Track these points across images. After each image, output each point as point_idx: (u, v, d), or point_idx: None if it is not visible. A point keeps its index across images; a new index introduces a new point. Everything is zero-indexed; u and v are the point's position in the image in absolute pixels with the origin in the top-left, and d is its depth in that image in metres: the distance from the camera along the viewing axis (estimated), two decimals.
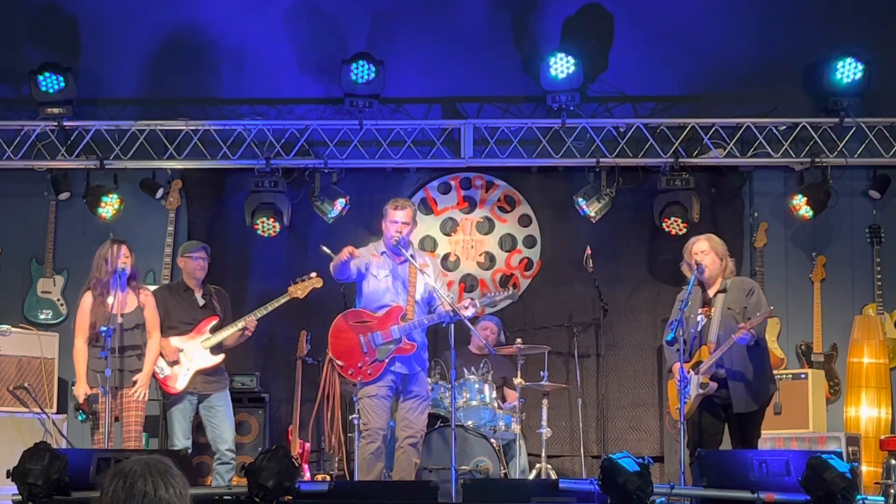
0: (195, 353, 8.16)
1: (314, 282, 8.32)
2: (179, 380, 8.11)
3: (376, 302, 7.54)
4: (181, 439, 8.11)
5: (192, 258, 8.35)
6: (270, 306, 8.27)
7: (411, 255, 7.58)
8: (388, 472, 7.79)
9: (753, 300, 7.44)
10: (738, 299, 7.46)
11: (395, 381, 7.48)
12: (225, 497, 6.82)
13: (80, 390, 7.69)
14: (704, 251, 7.48)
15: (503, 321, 9.66)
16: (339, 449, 9.10)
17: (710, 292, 7.50)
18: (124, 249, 7.83)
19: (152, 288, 9.69)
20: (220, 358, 8.22)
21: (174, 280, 9.90)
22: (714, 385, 7.28)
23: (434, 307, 7.63)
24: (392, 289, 7.54)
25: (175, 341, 8.17)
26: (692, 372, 7.33)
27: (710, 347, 7.33)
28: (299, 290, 8.27)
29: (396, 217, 7.57)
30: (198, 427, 8.44)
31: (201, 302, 8.34)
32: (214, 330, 8.22)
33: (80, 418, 7.80)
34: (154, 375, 8.07)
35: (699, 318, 7.45)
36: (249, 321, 8.23)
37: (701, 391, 7.30)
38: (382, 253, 7.62)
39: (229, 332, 8.22)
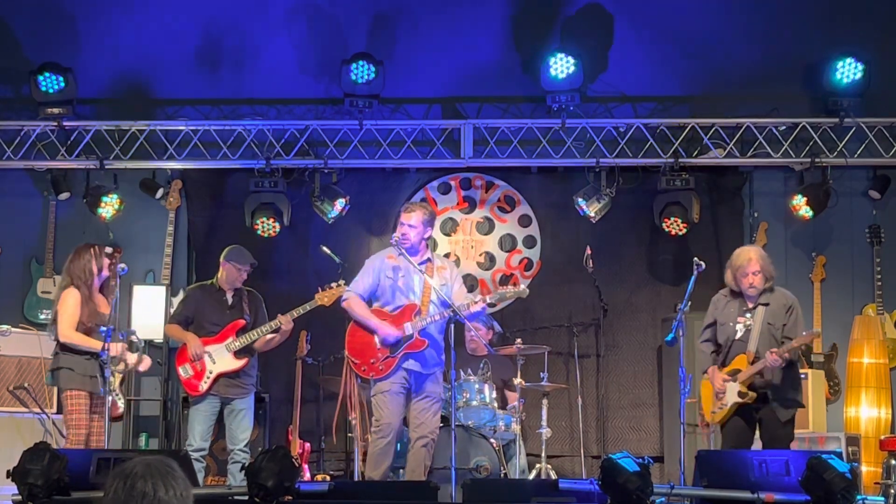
0: (219, 356, 8.10)
1: (341, 290, 7.96)
2: (201, 382, 8.10)
3: (392, 302, 7.58)
4: (197, 440, 8.03)
5: (238, 269, 8.25)
6: (298, 312, 8.12)
7: (427, 258, 7.62)
8: (391, 473, 7.78)
9: (792, 320, 7.52)
10: (778, 315, 7.53)
11: (407, 379, 7.48)
12: (226, 497, 6.82)
13: (114, 348, 7.54)
14: (756, 272, 7.50)
15: (503, 321, 9.65)
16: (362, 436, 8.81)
17: (750, 303, 7.55)
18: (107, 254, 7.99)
19: (155, 288, 9.68)
20: (242, 362, 8.12)
21: (172, 278, 9.90)
22: (753, 395, 7.40)
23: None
24: (405, 288, 7.57)
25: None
26: (730, 379, 7.44)
27: (749, 357, 7.43)
28: (326, 298, 8.03)
29: (402, 219, 7.67)
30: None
31: (230, 302, 8.25)
32: (241, 334, 8.18)
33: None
34: (178, 376, 8.21)
35: (737, 326, 7.53)
36: (285, 320, 8.10)
37: (740, 399, 7.42)
38: (400, 255, 7.60)
39: (257, 336, 8.14)
